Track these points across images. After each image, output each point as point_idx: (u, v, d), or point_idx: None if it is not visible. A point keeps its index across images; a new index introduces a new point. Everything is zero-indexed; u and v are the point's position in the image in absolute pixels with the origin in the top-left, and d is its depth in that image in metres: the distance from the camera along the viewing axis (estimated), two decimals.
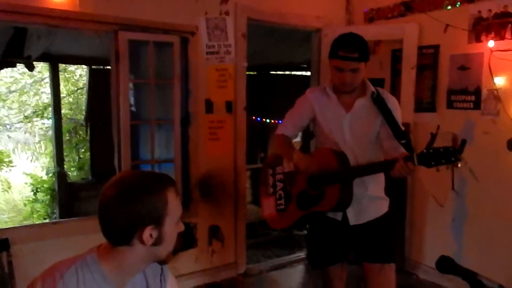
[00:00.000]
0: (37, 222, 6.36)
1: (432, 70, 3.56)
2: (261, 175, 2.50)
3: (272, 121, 6.89)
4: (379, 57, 4.02)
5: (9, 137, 9.28)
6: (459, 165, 1.76)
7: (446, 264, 1.41)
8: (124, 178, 1.25)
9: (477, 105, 3.26)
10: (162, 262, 1.32)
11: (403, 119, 3.59)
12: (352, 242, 2.28)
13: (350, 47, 2.06)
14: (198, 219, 3.55)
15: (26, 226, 3.84)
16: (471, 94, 3.30)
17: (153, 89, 3.30)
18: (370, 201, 2.22)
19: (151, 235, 1.20)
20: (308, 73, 5.16)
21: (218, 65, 3.53)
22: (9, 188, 8.82)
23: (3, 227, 5.30)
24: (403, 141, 2.04)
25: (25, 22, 2.99)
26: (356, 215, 2.21)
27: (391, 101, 2.20)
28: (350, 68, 2.07)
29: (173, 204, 1.24)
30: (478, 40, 3.22)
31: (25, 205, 7.86)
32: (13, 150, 9.61)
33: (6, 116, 9.03)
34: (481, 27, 3.19)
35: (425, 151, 1.82)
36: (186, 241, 3.50)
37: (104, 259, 1.23)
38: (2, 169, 8.66)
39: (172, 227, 1.26)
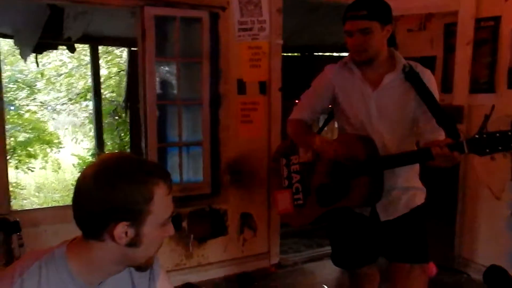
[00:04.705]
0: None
1: (491, 46, 3.14)
2: (273, 165, 2.24)
3: None
4: (430, 33, 3.64)
5: (53, 119, 9.56)
6: None
7: (496, 276, 1.13)
8: (106, 159, 1.07)
9: None
10: (139, 268, 1.11)
11: (456, 101, 3.27)
12: (383, 240, 1.99)
13: (358, 5, 1.79)
14: (229, 206, 3.38)
15: (53, 207, 3.85)
16: None
17: (180, 68, 3.13)
18: (401, 192, 1.92)
19: (126, 234, 1.01)
20: None
21: (251, 42, 3.31)
22: (59, 168, 9.12)
23: (28, 208, 5.39)
24: (447, 125, 1.73)
25: None
26: (386, 210, 1.92)
27: (427, 76, 1.85)
28: (358, 28, 1.78)
29: (161, 202, 1.03)
30: None
31: (73, 185, 8.08)
32: (63, 131, 9.92)
33: (55, 98, 9.29)
34: None
35: (477, 136, 1.52)
36: (215, 228, 3.35)
37: (72, 254, 1.06)
38: (52, 150, 8.95)
39: (155, 229, 1.05)
